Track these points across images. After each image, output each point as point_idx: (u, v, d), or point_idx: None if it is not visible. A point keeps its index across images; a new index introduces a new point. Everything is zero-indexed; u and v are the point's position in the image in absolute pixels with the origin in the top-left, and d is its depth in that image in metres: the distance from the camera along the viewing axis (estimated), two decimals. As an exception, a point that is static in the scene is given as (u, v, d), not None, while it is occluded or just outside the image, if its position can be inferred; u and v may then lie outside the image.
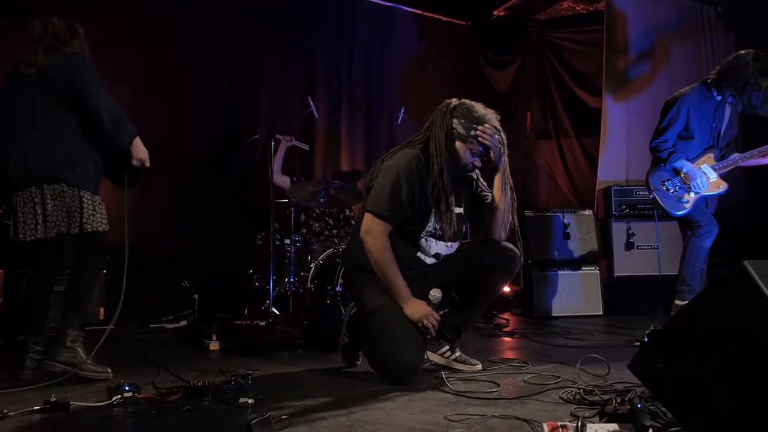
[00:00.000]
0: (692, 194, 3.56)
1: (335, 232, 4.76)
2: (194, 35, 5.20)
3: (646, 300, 4.62)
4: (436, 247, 2.50)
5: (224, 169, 5.19)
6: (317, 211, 4.73)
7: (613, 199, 4.95)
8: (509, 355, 3.02)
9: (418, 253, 2.49)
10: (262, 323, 3.95)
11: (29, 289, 3.44)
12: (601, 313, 4.78)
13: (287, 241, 4.20)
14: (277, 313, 3.87)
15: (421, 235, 2.46)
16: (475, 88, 6.66)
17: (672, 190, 3.60)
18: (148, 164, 2.64)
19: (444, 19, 6.67)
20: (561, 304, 4.81)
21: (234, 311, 4.34)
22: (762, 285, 1.37)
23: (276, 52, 5.59)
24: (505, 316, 4.81)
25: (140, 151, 2.61)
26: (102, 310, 4.34)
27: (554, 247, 4.94)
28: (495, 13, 6.65)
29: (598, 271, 4.90)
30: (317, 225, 4.73)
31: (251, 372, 2.30)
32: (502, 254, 2.51)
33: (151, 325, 4.37)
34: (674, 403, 1.55)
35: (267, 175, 5.16)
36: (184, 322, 4.47)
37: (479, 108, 2.43)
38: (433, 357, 2.58)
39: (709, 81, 3.55)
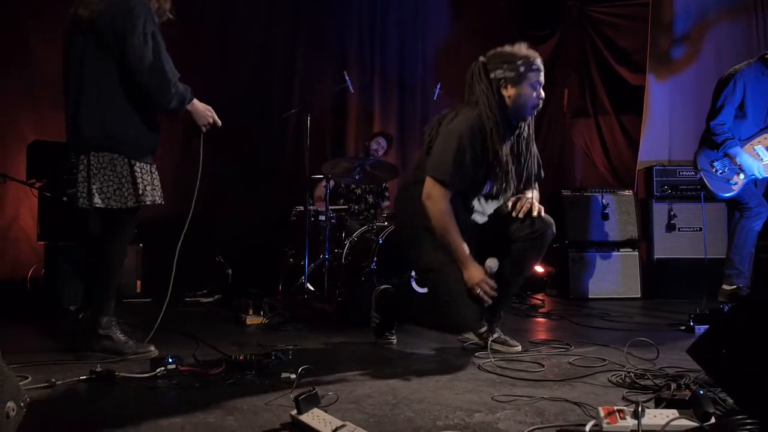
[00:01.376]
0: (741, 176, 3.42)
1: (373, 212, 4.73)
2: (226, 9, 5.15)
3: (686, 283, 4.52)
4: (490, 206, 2.47)
5: (258, 144, 5.18)
6: (358, 191, 4.70)
7: (654, 179, 4.80)
8: (548, 336, 2.96)
9: (473, 215, 2.46)
10: (297, 299, 3.95)
11: (79, 261, 3.46)
12: (639, 296, 4.67)
13: (322, 218, 4.18)
14: (312, 289, 3.87)
15: (478, 198, 2.43)
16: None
17: (720, 171, 3.46)
18: (219, 123, 2.43)
19: (480, -8, 6.49)
20: (597, 286, 4.71)
21: (268, 286, 4.35)
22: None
23: (309, 26, 5.53)
24: (540, 296, 4.74)
25: (202, 116, 2.37)
26: (139, 282, 4.41)
27: (592, 228, 4.82)
28: (533, -14, 6.45)
29: (637, 253, 4.78)
30: (357, 207, 4.71)
31: (291, 347, 2.29)
32: (530, 227, 2.39)
33: (186, 299, 4.42)
34: (737, 390, 1.48)
35: (301, 150, 5.15)
36: (218, 297, 4.50)
37: (509, 47, 2.34)
38: (469, 335, 2.56)
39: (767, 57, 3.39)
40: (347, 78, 4.10)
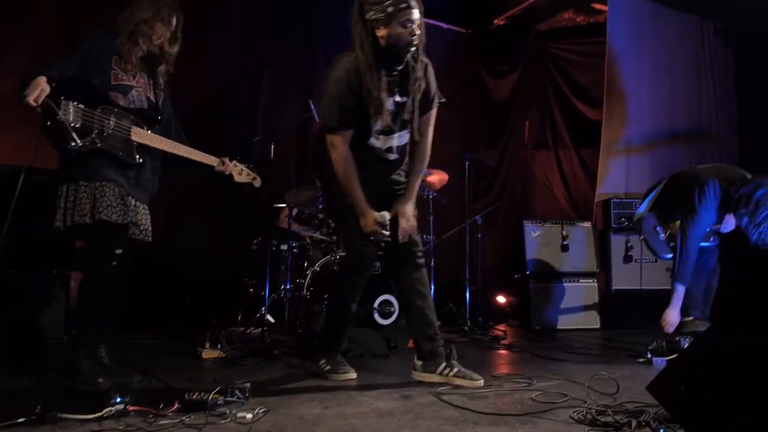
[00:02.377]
0: None
1: (335, 237, 4.66)
2: (193, 35, 5.08)
3: (644, 314, 4.58)
4: (389, 141, 2.55)
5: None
6: (320, 216, 4.63)
7: (612, 211, 4.92)
8: (511, 369, 2.95)
9: (384, 155, 2.57)
10: (257, 331, 3.84)
11: None
12: (598, 326, 4.74)
13: (284, 247, 4.11)
14: (272, 321, 3.77)
15: (373, 136, 2.52)
16: (474, 96, 6.62)
17: (662, 235, 3.59)
18: (28, 102, 2.11)
19: (444, 26, 6.61)
20: (558, 317, 4.76)
21: (227, 318, 4.23)
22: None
23: (275, 51, 5.50)
24: (502, 327, 4.76)
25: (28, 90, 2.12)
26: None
27: (552, 259, 4.89)
28: (495, 21, 6.62)
29: (596, 284, 4.86)
30: (318, 232, 4.63)
31: (248, 384, 2.20)
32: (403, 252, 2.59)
33: (140, 331, 4.24)
34: (696, 428, 1.49)
35: (264, 177, 5.06)
36: (173, 328, 4.34)
37: None
38: (432, 378, 2.52)
39: (731, 194, 3.20)
40: (312, 107, 4.08)
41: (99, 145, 2.31)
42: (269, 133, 4.22)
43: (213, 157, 2.68)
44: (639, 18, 5.55)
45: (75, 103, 2.26)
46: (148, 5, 2.47)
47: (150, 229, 2.53)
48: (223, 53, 5.26)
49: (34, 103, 2.13)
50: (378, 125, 2.48)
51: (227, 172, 2.72)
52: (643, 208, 3.70)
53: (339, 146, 2.43)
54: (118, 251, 2.35)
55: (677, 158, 5.42)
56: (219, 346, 3.16)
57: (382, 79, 2.40)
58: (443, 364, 2.50)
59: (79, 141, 2.22)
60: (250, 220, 4.83)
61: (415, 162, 2.64)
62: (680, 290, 3.20)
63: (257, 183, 2.83)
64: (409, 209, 2.58)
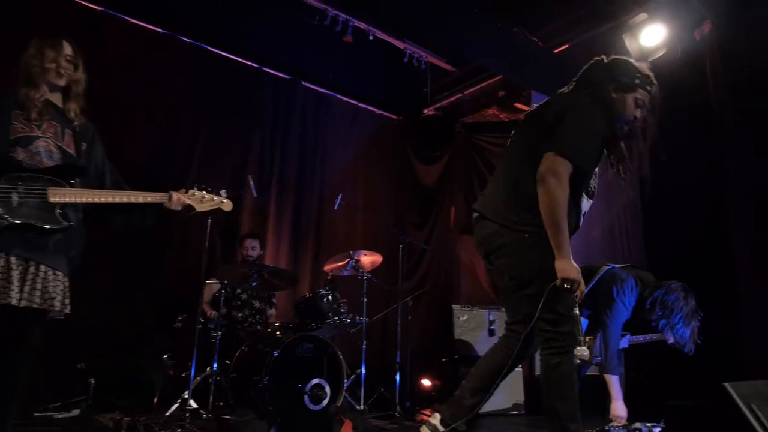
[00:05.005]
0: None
1: (258, 317, 4.48)
2: (121, 111, 4.89)
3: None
4: (585, 205, 2.37)
5: (137, 239, 4.70)
6: (243, 297, 4.44)
7: (534, 298, 5.10)
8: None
9: (581, 217, 2.36)
10: (174, 414, 3.54)
11: None
12: (524, 411, 4.78)
13: (211, 326, 3.89)
14: (195, 406, 3.48)
15: (584, 196, 2.31)
16: (403, 180, 6.84)
17: None
18: None
19: (377, 111, 6.88)
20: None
21: (141, 400, 3.88)
22: (745, 408, 1.39)
23: (209, 124, 5.45)
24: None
25: None
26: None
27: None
28: (425, 111, 6.98)
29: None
30: (240, 314, 4.42)
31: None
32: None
33: (36, 414, 3.79)
34: None
35: (189, 249, 4.82)
36: (76, 411, 3.92)
37: (634, 62, 2.37)
38: None
39: (644, 297, 3.41)
40: (251, 183, 3.97)
41: (11, 220, 2.08)
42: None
43: (160, 194, 2.35)
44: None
45: None
46: (32, 44, 2.31)
47: (67, 301, 2.26)
48: (155, 126, 5.13)
49: None
50: (591, 183, 2.32)
51: (181, 206, 2.39)
52: None
53: (563, 174, 2.11)
54: None
55: (593, 245, 5.77)
56: (135, 435, 2.88)
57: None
58: None
59: None
60: (172, 294, 4.54)
61: None
62: (614, 380, 3.28)
63: (227, 206, 2.48)
64: None
